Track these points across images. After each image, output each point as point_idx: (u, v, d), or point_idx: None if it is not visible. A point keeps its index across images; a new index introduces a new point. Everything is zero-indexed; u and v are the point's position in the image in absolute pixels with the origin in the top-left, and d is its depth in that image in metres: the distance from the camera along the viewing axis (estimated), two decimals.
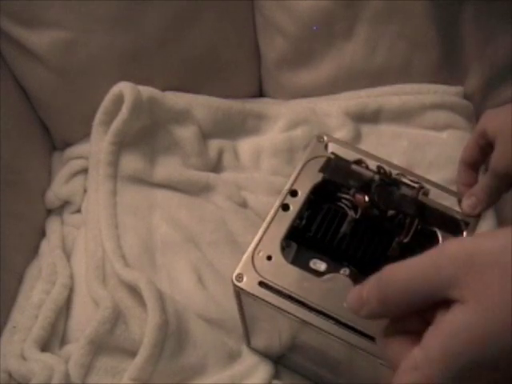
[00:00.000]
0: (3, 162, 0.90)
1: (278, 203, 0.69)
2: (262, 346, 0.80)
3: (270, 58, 1.05)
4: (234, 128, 1.00)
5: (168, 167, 0.94)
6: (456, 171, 0.94)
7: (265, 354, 0.81)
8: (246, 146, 0.99)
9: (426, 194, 0.69)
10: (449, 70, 1.00)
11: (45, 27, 0.93)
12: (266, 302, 0.65)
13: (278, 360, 0.81)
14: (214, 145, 0.98)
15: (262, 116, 1.01)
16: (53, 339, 0.83)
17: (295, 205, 0.69)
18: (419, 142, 0.98)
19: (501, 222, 0.94)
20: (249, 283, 0.65)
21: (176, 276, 0.87)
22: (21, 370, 0.79)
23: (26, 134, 0.98)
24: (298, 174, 0.71)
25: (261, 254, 0.67)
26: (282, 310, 0.64)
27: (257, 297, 0.65)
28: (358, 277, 0.67)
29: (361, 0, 0.96)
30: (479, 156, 0.67)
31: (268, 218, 0.69)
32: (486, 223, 0.91)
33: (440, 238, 0.67)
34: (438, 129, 0.99)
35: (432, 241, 0.67)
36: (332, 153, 0.73)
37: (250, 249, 0.67)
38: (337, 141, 0.74)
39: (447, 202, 0.70)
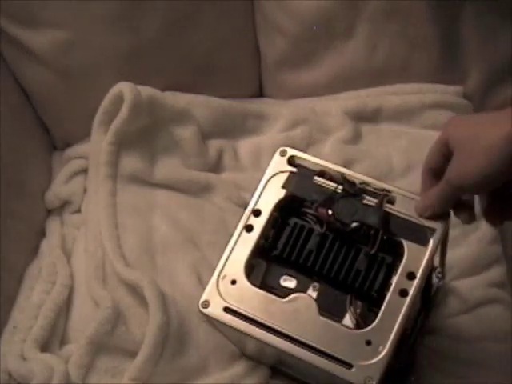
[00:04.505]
0: (3, 162, 0.90)
1: (241, 225, 0.69)
2: (252, 356, 0.80)
3: (270, 58, 1.05)
4: (234, 128, 1.00)
5: (168, 167, 0.94)
6: None
7: (259, 362, 0.81)
8: (245, 145, 0.99)
9: (391, 202, 0.67)
10: (449, 70, 1.00)
11: (45, 27, 0.93)
12: (232, 327, 0.66)
13: (273, 367, 0.81)
14: (214, 145, 0.98)
15: (262, 116, 1.01)
16: (53, 339, 0.83)
17: (259, 225, 0.69)
18: (419, 141, 0.98)
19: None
20: (214, 309, 0.66)
21: (176, 277, 0.87)
22: (21, 370, 0.79)
23: (26, 134, 0.98)
24: (261, 192, 0.70)
25: (226, 278, 0.67)
26: (247, 334, 0.65)
27: (222, 323, 0.66)
28: (328, 291, 0.67)
29: (361, 0, 0.96)
30: (443, 164, 0.63)
31: (231, 242, 0.68)
32: (486, 223, 0.91)
33: (405, 248, 0.65)
34: (438, 128, 0.99)
35: (398, 251, 0.66)
36: (298, 165, 0.71)
37: (215, 274, 0.68)
38: (300, 153, 0.72)
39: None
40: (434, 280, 0.81)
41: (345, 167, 0.70)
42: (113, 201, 0.91)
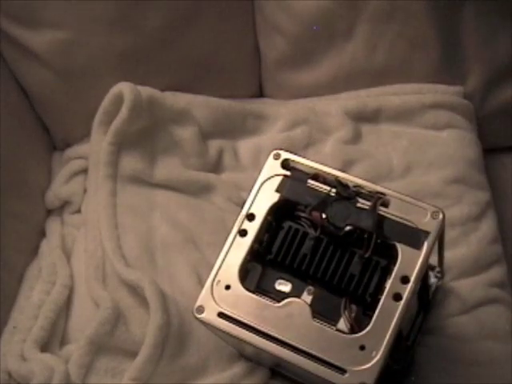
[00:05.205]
0: (3, 162, 0.90)
1: (235, 230, 0.69)
2: (251, 358, 0.80)
3: (270, 58, 1.05)
4: (233, 128, 1.00)
5: (168, 167, 0.94)
6: (456, 170, 0.94)
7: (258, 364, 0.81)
8: (245, 145, 0.99)
9: (385, 204, 0.66)
10: (449, 70, 1.00)
11: (45, 27, 0.93)
12: (226, 332, 0.66)
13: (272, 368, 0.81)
14: (214, 145, 0.98)
15: (262, 116, 1.01)
16: (53, 339, 0.83)
17: (253, 229, 0.68)
18: (419, 141, 0.98)
19: (501, 222, 0.94)
20: (209, 315, 0.67)
21: (176, 277, 0.87)
22: (21, 370, 0.79)
23: (26, 134, 0.98)
24: (255, 196, 0.70)
25: (220, 283, 0.67)
26: (241, 339, 0.66)
27: (216, 328, 0.67)
28: (323, 294, 0.67)
29: (361, 0, 0.96)
30: None
31: (226, 247, 0.69)
32: (487, 223, 0.91)
33: (399, 251, 0.65)
34: (438, 128, 0.99)
35: (392, 254, 0.65)
36: (291, 168, 0.71)
37: (209, 279, 0.68)
38: (294, 156, 0.72)
39: (412, 211, 0.66)
40: (433, 280, 0.81)
41: (341, 169, 0.70)
42: (113, 201, 0.91)
